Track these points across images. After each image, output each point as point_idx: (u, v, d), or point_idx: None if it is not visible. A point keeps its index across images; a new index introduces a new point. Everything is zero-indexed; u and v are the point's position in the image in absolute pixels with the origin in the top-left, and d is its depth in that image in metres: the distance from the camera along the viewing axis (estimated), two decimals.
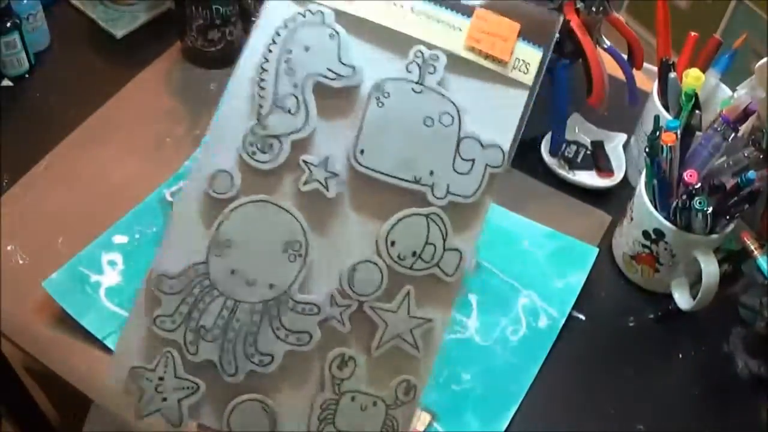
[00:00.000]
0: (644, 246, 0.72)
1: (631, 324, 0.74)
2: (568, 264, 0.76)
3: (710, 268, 0.67)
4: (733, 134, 0.66)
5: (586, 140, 0.86)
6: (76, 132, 0.82)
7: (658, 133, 0.68)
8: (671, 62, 0.76)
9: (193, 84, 0.88)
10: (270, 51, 0.30)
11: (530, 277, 0.75)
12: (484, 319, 0.72)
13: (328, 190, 0.28)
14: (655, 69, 0.78)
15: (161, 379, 0.29)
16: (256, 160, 0.29)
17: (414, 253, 0.29)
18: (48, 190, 0.77)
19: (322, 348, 0.29)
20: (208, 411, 0.30)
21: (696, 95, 0.70)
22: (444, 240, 0.29)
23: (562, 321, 0.72)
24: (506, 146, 0.30)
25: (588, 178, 0.83)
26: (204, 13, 0.84)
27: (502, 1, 0.32)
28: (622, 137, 0.86)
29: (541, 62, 0.31)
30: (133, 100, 0.86)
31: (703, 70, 0.73)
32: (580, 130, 0.86)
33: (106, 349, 0.65)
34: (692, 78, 0.70)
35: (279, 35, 0.30)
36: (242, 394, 0.29)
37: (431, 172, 0.29)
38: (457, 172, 0.29)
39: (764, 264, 0.66)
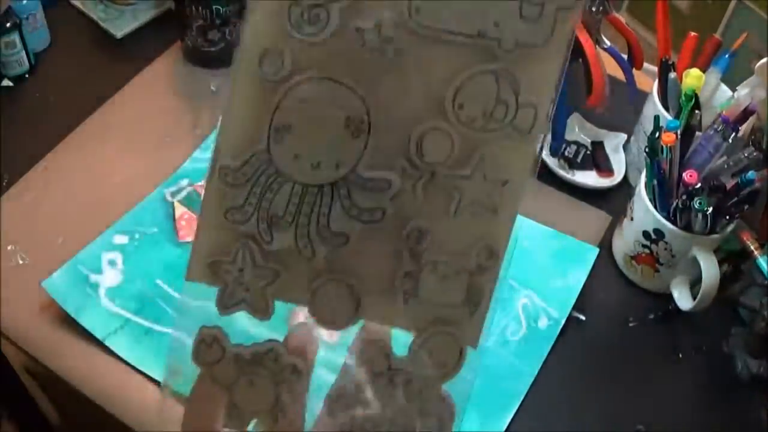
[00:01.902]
0: (644, 246, 0.72)
1: (631, 324, 0.74)
2: (568, 264, 0.76)
3: (710, 268, 0.67)
4: (733, 134, 0.66)
5: (586, 140, 0.86)
6: (76, 132, 0.82)
7: (658, 133, 0.68)
8: (671, 62, 0.76)
9: (193, 84, 0.88)
10: None
11: (530, 277, 0.75)
12: None
13: (385, 55, 0.26)
14: (655, 69, 0.78)
15: (241, 270, 0.29)
16: (305, 34, 0.27)
17: (484, 114, 0.27)
18: (48, 190, 0.77)
19: (398, 222, 0.27)
20: (291, 295, 0.30)
21: (696, 95, 0.70)
22: (516, 96, 0.27)
23: (562, 321, 0.72)
24: None
25: (588, 178, 0.83)
26: (204, 13, 0.84)
27: None
28: (622, 137, 0.86)
29: None
30: (133, 100, 0.86)
31: (703, 70, 0.73)
32: (580, 130, 0.86)
33: (107, 349, 0.65)
34: (692, 78, 0.70)
35: None
36: (323, 276, 0.29)
37: (496, 24, 0.27)
38: (525, 19, 0.27)
39: (764, 264, 0.66)
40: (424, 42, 0.27)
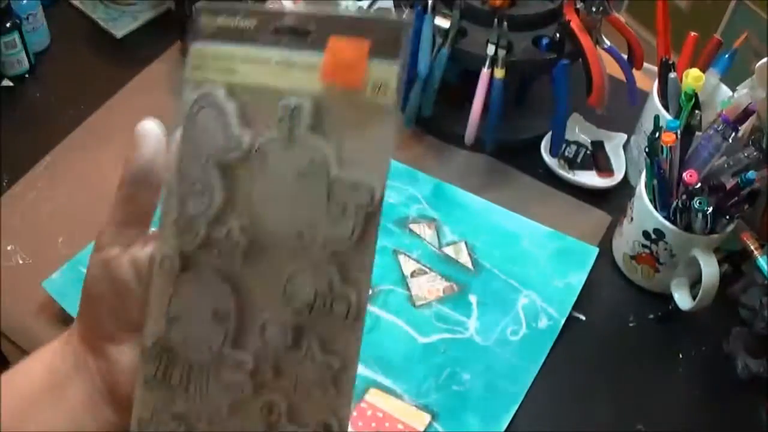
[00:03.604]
0: (644, 246, 0.72)
1: (631, 324, 0.74)
2: (568, 264, 0.76)
3: (710, 268, 0.67)
4: (733, 134, 0.66)
5: (586, 140, 0.86)
6: (76, 132, 0.82)
7: (658, 133, 0.68)
8: (671, 62, 0.76)
9: None
10: (182, 138, 0.34)
11: (530, 277, 0.75)
12: (484, 319, 0.72)
13: (234, 258, 0.32)
14: (655, 69, 0.78)
15: (152, 418, 0.35)
16: (184, 242, 0.33)
17: (307, 304, 0.32)
18: (48, 190, 0.77)
19: (257, 395, 0.33)
20: None
21: (696, 95, 0.70)
22: (331, 289, 0.31)
23: (562, 321, 0.72)
24: (376, 182, 0.31)
25: (588, 178, 0.83)
26: None
27: (352, 16, 0.32)
28: (622, 137, 0.86)
29: (398, 77, 0.31)
30: (133, 100, 0.86)
31: (703, 70, 0.73)
32: (580, 130, 0.86)
33: None
34: (692, 78, 0.70)
35: (186, 127, 0.34)
36: None
37: (310, 225, 0.31)
38: (331, 219, 0.31)
39: (764, 264, 0.66)
40: (262, 244, 0.32)
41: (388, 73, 0.31)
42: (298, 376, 0.32)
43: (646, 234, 0.71)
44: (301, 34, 0.32)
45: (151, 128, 0.35)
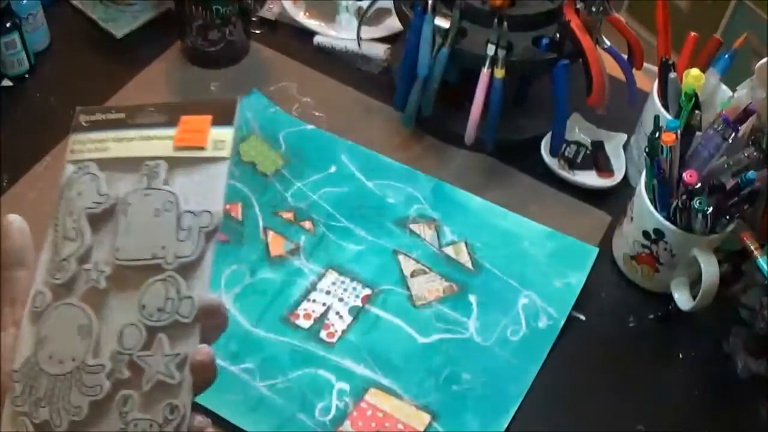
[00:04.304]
0: (644, 246, 0.72)
1: (631, 324, 0.74)
2: (568, 264, 0.76)
3: (710, 268, 0.67)
4: (733, 134, 0.66)
5: (586, 140, 0.86)
6: None
7: (658, 133, 0.68)
8: (671, 62, 0.76)
9: (193, 84, 0.88)
10: (59, 204, 0.43)
11: (530, 277, 0.75)
12: (484, 319, 0.72)
13: (99, 284, 0.40)
14: (655, 69, 0.78)
15: None
16: (55, 279, 0.41)
17: (159, 309, 0.39)
18: (48, 190, 0.77)
19: (115, 393, 0.39)
20: None
21: (696, 95, 0.70)
22: (179, 293, 0.39)
23: (562, 321, 0.72)
24: (214, 208, 0.40)
25: (588, 178, 0.83)
26: (204, 13, 0.84)
27: (198, 101, 0.44)
28: (622, 137, 0.86)
29: (234, 137, 0.42)
30: (133, 100, 0.86)
31: (703, 70, 0.73)
32: (580, 130, 0.86)
33: None
34: (692, 78, 0.70)
35: (62, 194, 0.44)
36: None
37: (163, 247, 0.40)
38: (180, 240, 0.40)
39: (764, 264, 0.66)
40: (124, 269, 0.40)
41: (224, 135, 0.42)
42: (149, 369, 0.38)
43: (646, 234, 0.71)
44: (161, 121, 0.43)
45: (17, 221, 0.43)
